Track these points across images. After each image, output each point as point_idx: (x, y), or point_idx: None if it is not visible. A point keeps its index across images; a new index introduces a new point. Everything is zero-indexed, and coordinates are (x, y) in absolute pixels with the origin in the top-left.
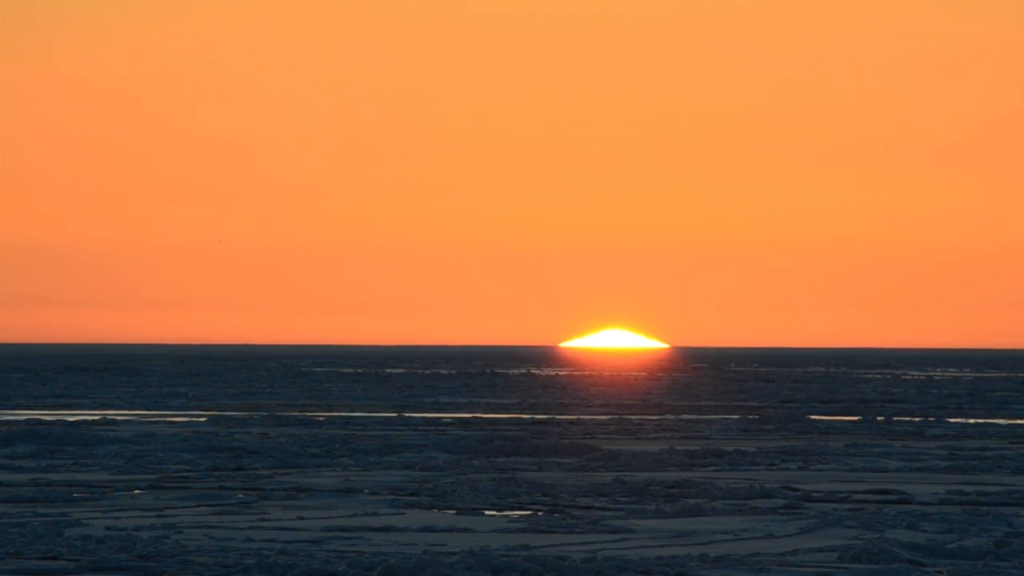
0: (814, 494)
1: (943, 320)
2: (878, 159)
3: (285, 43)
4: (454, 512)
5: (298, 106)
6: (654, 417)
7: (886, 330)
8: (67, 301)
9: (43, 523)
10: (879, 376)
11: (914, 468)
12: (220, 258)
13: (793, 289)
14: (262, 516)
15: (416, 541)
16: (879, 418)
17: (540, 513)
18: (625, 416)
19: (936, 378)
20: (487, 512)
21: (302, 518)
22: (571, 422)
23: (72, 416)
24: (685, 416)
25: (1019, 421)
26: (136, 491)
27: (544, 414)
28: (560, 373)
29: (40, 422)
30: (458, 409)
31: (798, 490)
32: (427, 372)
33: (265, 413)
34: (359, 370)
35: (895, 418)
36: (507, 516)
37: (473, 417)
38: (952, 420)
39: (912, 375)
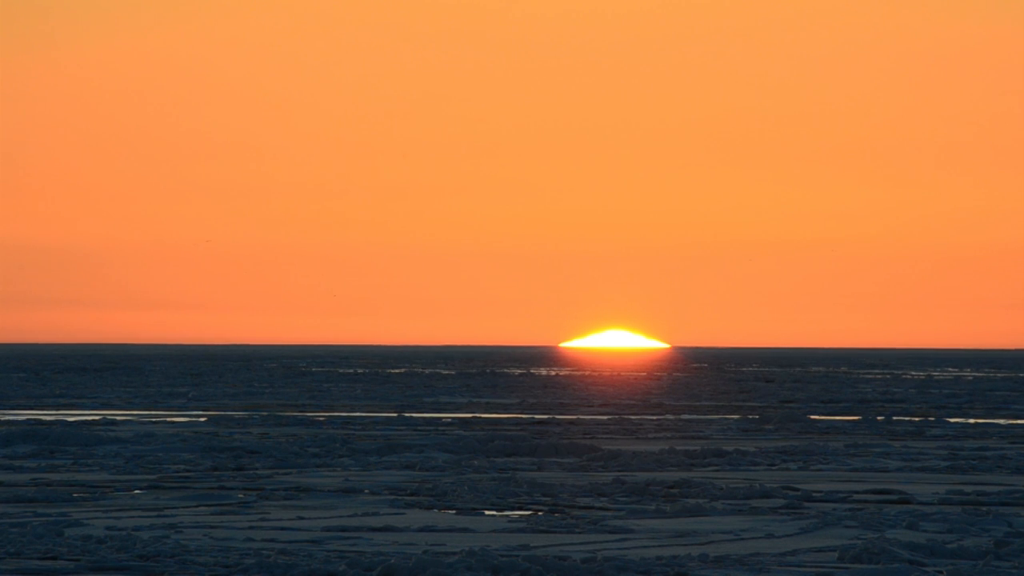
0: (814, 494)
1: (943, 320)
2: (878, 159)
3: (288, 43)
4: (454, 512)
5: (298, 107)
6: (654, 417)
7: (886, 330)
8: (67, 301)
9: (43, 523)
10: (879, 376)
11: (914, 468)
12: (220, 258)
13: (793, 289)
14: (262, 516)
15: (416, 541)
16: (879, 418)
17: (540, 513)
18: (625, 416)
19: (936, 378)
20: (487, 512)
21: (302, 518)
22: (571, 422)
23: (72, 416)
24: (685, 416)
25: (1019, 421)
26: (136, 491)
27: (544, 414)
28: (560, 373)
29: (40, 422)
30: (458, 409)
31: (798, 490)
32: (427, 372)
33: (265, 413)
34: (359, 370)
35: (895, 418)
36: (507, 516)
37: (473, 417)
38: (952, 420)
39: (912, 375)
